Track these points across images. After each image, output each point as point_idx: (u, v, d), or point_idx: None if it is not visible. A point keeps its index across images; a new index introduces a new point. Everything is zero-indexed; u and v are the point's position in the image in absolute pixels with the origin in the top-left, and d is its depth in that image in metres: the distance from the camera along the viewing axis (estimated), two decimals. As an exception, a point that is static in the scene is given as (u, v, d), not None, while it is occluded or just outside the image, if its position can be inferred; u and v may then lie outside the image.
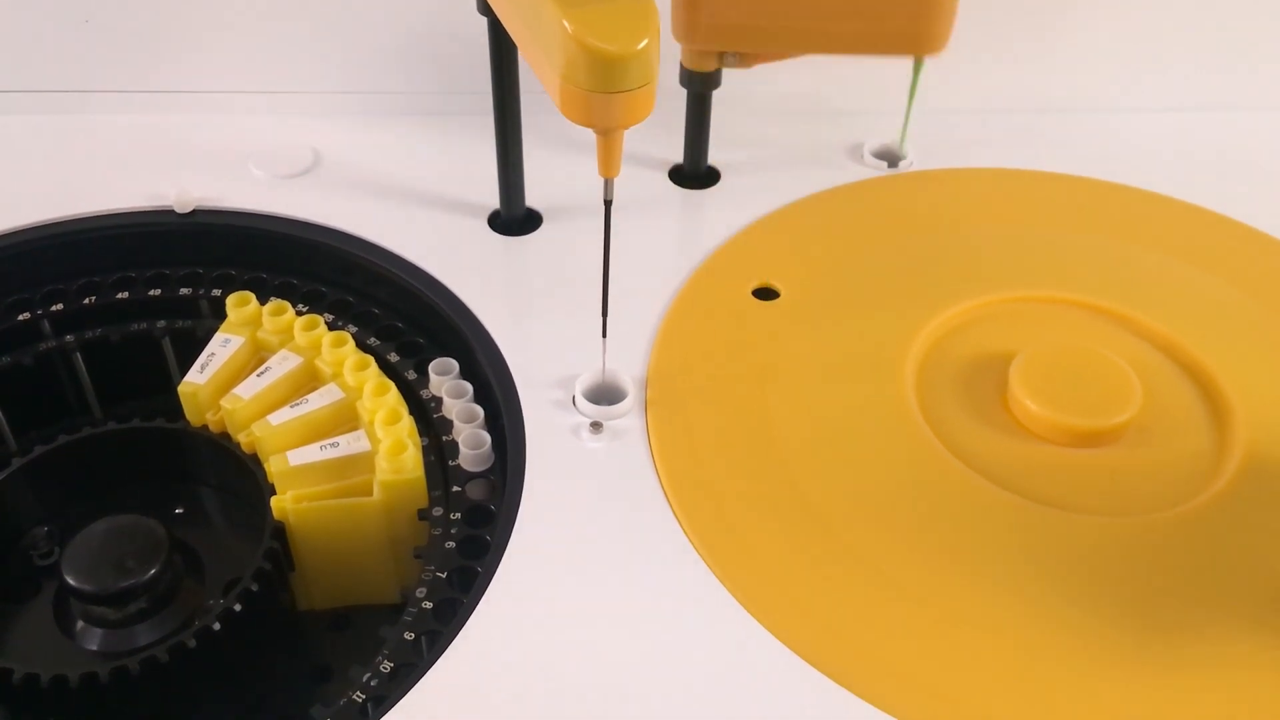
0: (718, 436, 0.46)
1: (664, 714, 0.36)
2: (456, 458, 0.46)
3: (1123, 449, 0.46)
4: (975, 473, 0.44)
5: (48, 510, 0.49)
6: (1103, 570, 0.41)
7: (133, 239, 0.56)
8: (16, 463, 0.48)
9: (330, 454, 0.45)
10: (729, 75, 0.57)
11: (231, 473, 0.48)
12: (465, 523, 0.44)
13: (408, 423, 0.45)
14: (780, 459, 0.45)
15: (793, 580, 0.40)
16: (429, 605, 0.41)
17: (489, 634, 0.38)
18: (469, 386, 0.48)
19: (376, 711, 0.37)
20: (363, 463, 0.45)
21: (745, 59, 0.56)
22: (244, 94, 0.64)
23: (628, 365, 0.48)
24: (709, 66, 0.56)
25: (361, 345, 0.50)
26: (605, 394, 0.47)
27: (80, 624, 0.44)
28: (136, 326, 0.54)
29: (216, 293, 0.54)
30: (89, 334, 0.53)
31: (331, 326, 0.52)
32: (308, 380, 0.49)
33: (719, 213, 0.58)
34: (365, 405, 0.46)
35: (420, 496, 0.45)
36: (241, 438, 0.47)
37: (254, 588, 0.43)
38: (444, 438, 0.47)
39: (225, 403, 0.47)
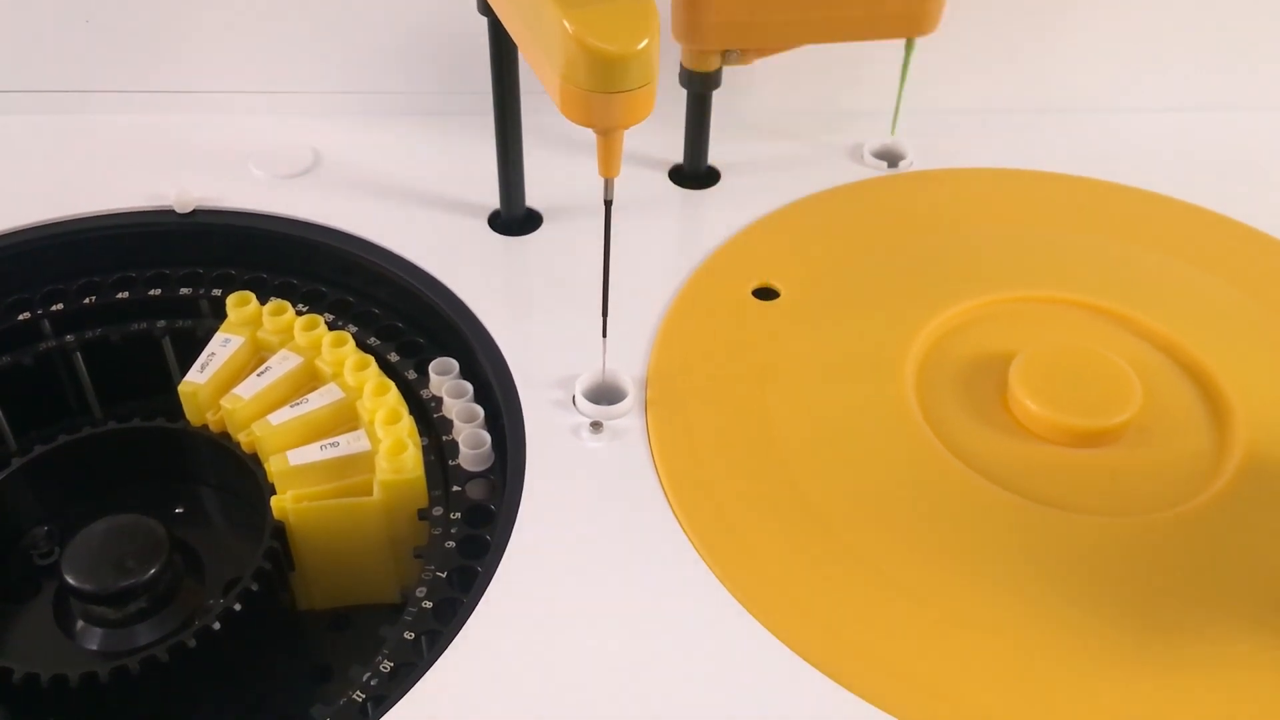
0: (718, 436, 0.46)
1: (664, 714, 0.36)
2: (456, 457, 0.46)
3: (1123, 449, 0.46)
4: (975, 473, 0.44)
5: (48, 510, 0.49)
6: (1103, 570, 0.41)
7: (133, 239, 0.56)
8: (16, 462, 0.48)
9: (330, 454, 0.45)
10: (729, 75, 0.57)
11: (231, 472, 0.48)
12: (465, 522, 0.44)
13: (408, 422, 0.45)
14: (780, 459, 0.45)
15: (793, 580, 0.40)
16: (429, 605, 0.41)
17: (489, 634, 0.38)
18: (469, 386, 0.48)
19: (377, 711, 0.37)
20: (363, 462, 0.45)
21: (745, 55, 0.56)
22: (244, 94, 0.64)
23: (628, 365, 0.48)
24: (710, 66, 0.56)
25: (361, 345, 0.50)
26: (605, 394, 0.47)
27: (80, 624, 0.44)
28: (136, 326, 0.54)
29: (217, 293, 0.54)
30: (89, 334, 0.53)
31: (332, 326, 0.52)
32: (308, 380, 0.49)
33: (719, 213, 0.58)
34: (365, 405, 0.46)
35: (420, 496, 0.45)
36: (241, 437, 0.47)
37: (254, 587, 0.43)
38: (444, 437, 0.47)
39: (225, 402, 0.47)
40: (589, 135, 0.40)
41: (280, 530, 0.44)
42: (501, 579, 0.40)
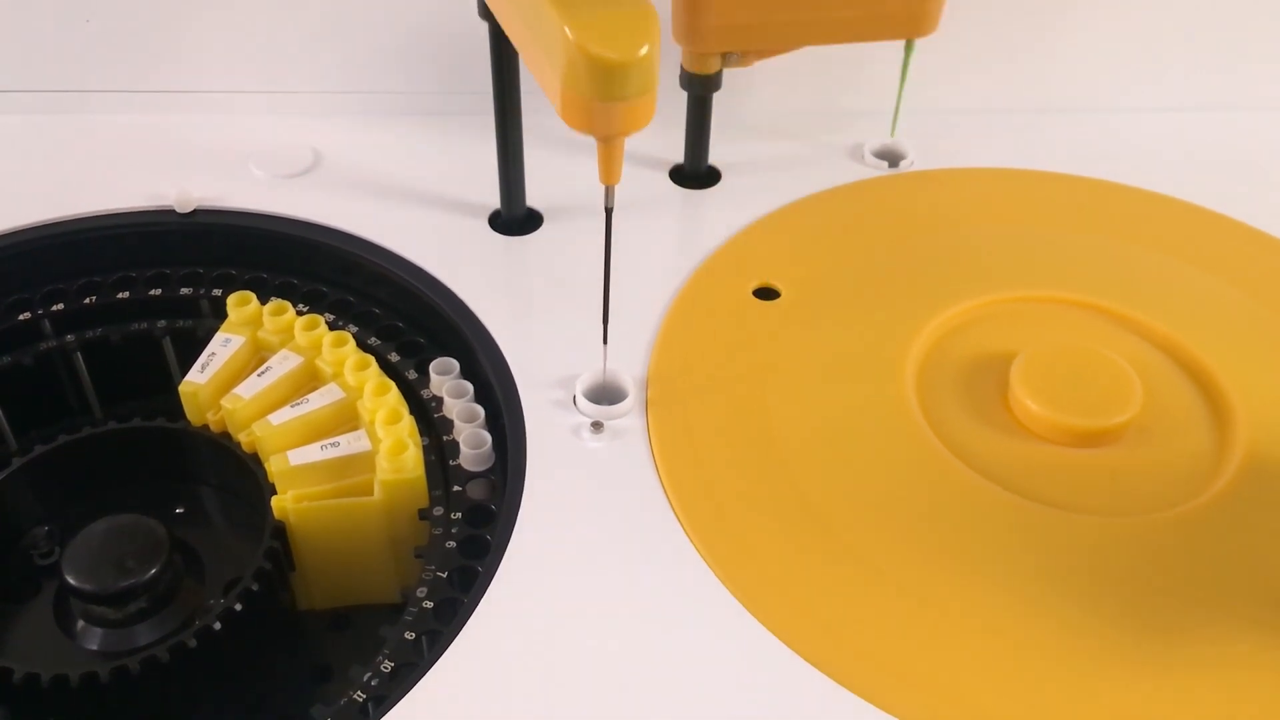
0: (718, 436, 0.46)
1: (664, 713, 0.36)
2: (457, 457, 0.46)
3: (1123, 449, 0.46)
4: (975, 473, 0.44)
5: (48, 510, 0.49)
6: (1103, 570, 0.41)
7: (133, 239, 0.56)
8: (17, 462, 0.48)
9: (331, 454, 0.45)
10: (729, 75, 0.57)
11: (232, 472, 0.48)
12: (466, 522, 0.44)
13: (408, 422, 0.45)
14: (780, 459, 0.45)
15: (793, 580, 0.40)
16: (429, 605, 0.41)
17: (489, 633, 0.38)
18: (469, 386, 0.48)
19: (377, 711, 0.37)
20: (363, 462, 0.45)
21: (746, 57, 0.56)
22: (244, 94, 0.64)
23: (628, 365, 0.48)
24: (711, 69, 0.56)
25: (362, 345, 0.50)
26: (606, 394, 0.47)
27: (81, 623, 0.44)
28: (137, 326, 0.54)
29: (217, 292, 0.54)
30: (89, 334, 0.53)
31: (332, 326, 0.52)
32: (308, 380, 0.49)
33: (719, 213, 0.58)
34: (366, 405, 0.46)
35: (421, 496, 0.45)
36: (242, 437, 0.47)
37: (254, 587, 0.43)
38: (444, 437, 0.47)
39: (226, 402, 0.47)
40: (589, 136, 0.40)
41: (280, 530, 0.44)
42: (502, 579, 0.40)
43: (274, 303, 0.50)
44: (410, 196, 0.59)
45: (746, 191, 0.60)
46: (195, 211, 0.56)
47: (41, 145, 0.62)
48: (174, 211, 0.56)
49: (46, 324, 0.53)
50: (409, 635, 0.40)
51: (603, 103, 0.38)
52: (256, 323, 0.50)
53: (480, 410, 0.47)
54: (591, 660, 0.38)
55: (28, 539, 0.49)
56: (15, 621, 0.46)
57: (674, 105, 0.59)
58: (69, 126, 0.63)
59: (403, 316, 0.54)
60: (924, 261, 0.55)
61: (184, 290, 0.54)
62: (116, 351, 0.53)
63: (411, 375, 0.50)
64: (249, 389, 0.47)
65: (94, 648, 0.44)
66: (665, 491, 0.43)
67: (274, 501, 0.44)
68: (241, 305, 0.50)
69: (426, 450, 0.47)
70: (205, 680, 0.43)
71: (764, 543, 0.42)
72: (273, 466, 0.45)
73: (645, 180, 0.61)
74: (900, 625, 0.39)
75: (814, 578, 0.41)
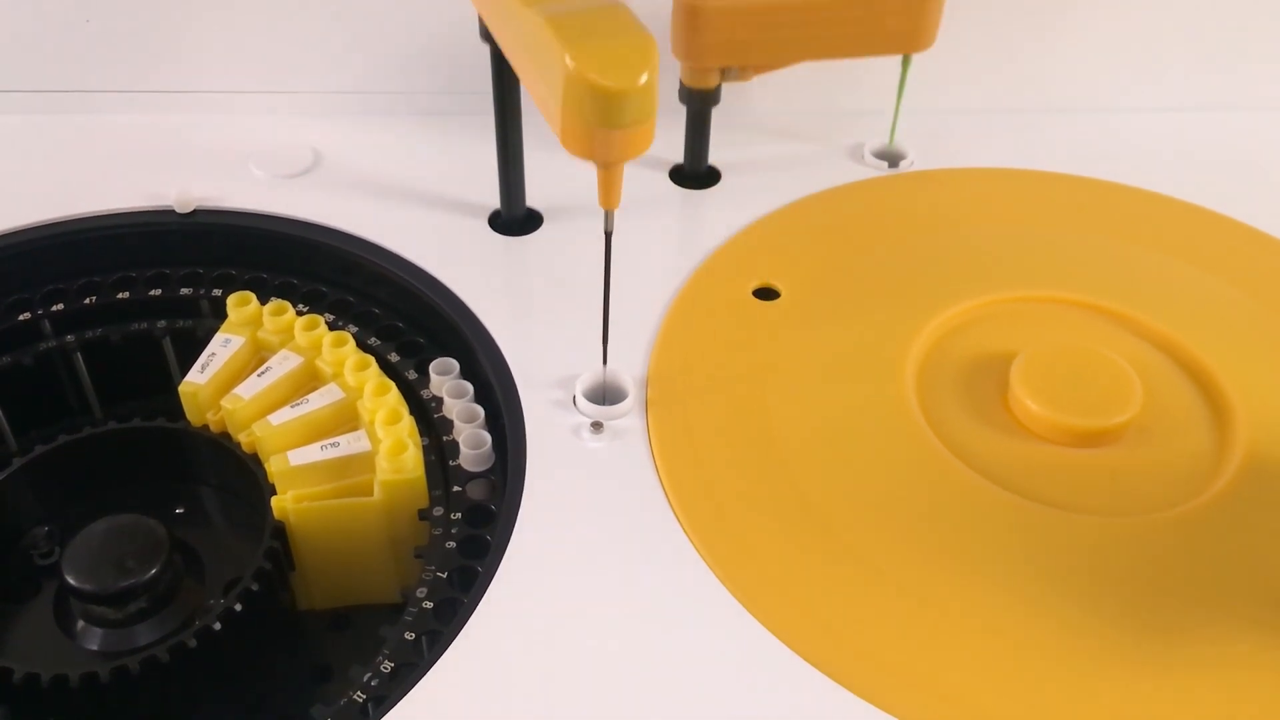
0: (718, 436, 0.46)
1: (664, 713, 0.36)
2: (457, 458, 0.46)
3: (1123, 449, 0.46)
4: (975, 473, 0.44)
5: (48, 510, 0.49)
6: (1103, 570, 0.41)
7: (133, 239, 0.56)
8: (17, 462, 0.48)
9: (331, 454, 0.45)
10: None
11: (232, 472, 0.48)
12: (466, 522, 0.44)
13: (408, 423, 0.45)
14: (780, 459, 0.45)
15: (793, 580, 0.40)
16: (429, 605, 0.41)
17: (489, 634, 0.38)
18: (469, 386, 0.48)
19: (377, 711, 0.37)
20: (363, 462, 0.45)
21: (744, 72, 0.57)
22: (244, 94, 0.64)
23: (628, 365, 0.48)
24: (709, 84, 0.57)
25: (362, 345, 0.50)
26: (606, 394, 0.47)
27: (81, 624, 0.44)
28: (137, 326, 0.54)
29: (217, 293, 0.54)
30: (89, 334, 0.53)
31: (332, 326, 0.52)
32: (308, 380, 0.49)
33: (719, 213, 0.58)
34: (366, 405, 0.46)
35: (421, 496, 0.45)
36: (242, 437, 0.47)
37: (254, 587, 0.43)
38: (444, 438, 0.47)
39: (226, 402, 0.47)
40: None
41: (280, 530, 0.44)
42: (502, 579, 0.40)
43: (274, 303, 0.50)
44: (410, 196, 0.59)
45: (746, 191, 0.60)
46: (195, 211, 0.56)
47: (41, 145, 0.62)
48: (174, 211, 0.56)
49: (46, 324, 0.53)
50: (409, 635, 0.40)
51: (603, 130, 0.38)
52: (256, 323, 0.50)
53: (480, 410, 0.47)
54: (591, 660, 0.38)
55: (28, 539, 0.49)
56: (15, 621, 0.46)
57: (675, 106, 0.59)
58: (69, 126, 0.63)
59: (403, 316, 0.54)
60: (924, 261, 0.55)
61: (184, 290, 0.54)
62: (116, 351, 0.53)
63: (411, 375, 0.50)
64: (249, 389, 0.47)
65: (94, 648, 0.44)
66: (665, 491, 0.43)
67: (274, 501, 0.44)
68: (241, 305, 0.50)
69: (426, 450, 0.47)
70: (205, 680, 0.43)
71: (764, 543, 0.42)
72: (273, 466, 0.45)
73: (645, 180, 0.61)
74: (900, 625, 0.39)
75: (814, 578, 0.41)
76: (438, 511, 0.44)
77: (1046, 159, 0.63)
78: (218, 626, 0.42)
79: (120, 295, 0.54)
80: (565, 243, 0.56)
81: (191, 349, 0.50)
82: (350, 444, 0.45)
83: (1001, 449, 0.46)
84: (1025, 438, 0.46)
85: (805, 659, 0.38)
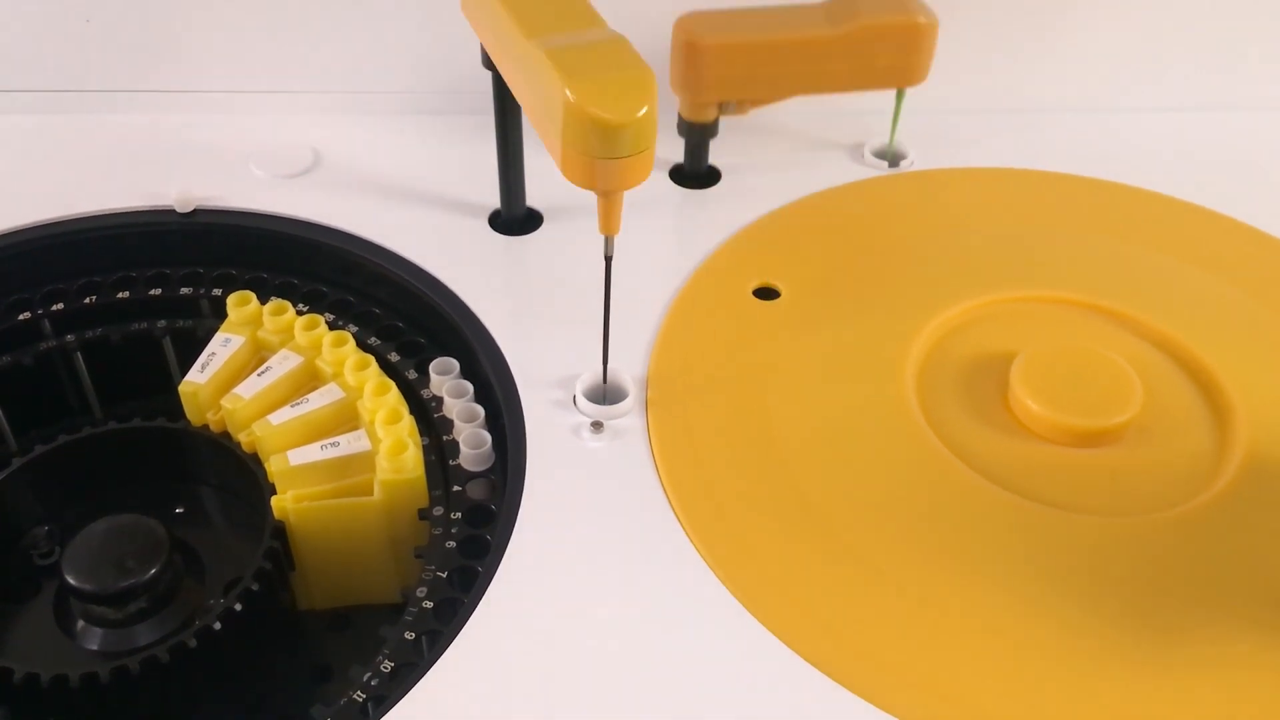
0: (718, 436, 0.46)
1: (664, 713, 0.36)
2: (457, 457, 0.46)
3: (1123, 449, 0.46)
4: (976, 473, 0.44)
5: (48, 510, 0.49)
6: (1103, 570, 0.41)
7: (133, 239, 0.56)
8: (17, 462, 0.48)
9: (331, 453, 0.45)
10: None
11: (232, 472, 0.48)
12: (466, 522, 0.44)
13: (408, 422, 0.45)
14: (781, 459, 0.45)
15: (793, 580, 0.40)
16: (429, 605, 0.41)
17: (489, 633, 0.38)
18: (469, 386, 0.48)
19: (377, 711, 0.37)
20: (363, 462, 0.45)
21: (742, 105, 0.59)
22: (244, 94, 0.64)
23: (628, 365, 0.48)
24: (708, 117, 0.58)
25: (362, 345, 0.50)
26: (606, 394, 0.47)
27: (81, 624, 0.44)
28: (137, 326, 0.54)
29: (217, 292, 0.54)
30: (89, 334, 0.53)
31: (332, 326, 0.52)
32: (308, 380, 0.49)
33: (719, 213, 0.58)
34: (366, 405, 0.46)
35: (421, 496, 0.45)
36: (242, 437, 0.47)
37: (254, 587, 0.43)
38: (444, 437, 0.47)
39: (226, 402, 0.47)
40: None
41: (280, 530, 0.44)
42: (502, 579, 0.40)
43: (274, 302, 0.50)
44: (410, 196, 0.59)
45: (746, 191, 0.60)
46: (195, 211, 0.56)
47: (41, 145, 0.62)
48: (174, 211, 0.56)
49: (46, 324, 0.53)
50: (409, 635, 0.40)
51: (602, 161, 0.39)
52: (256, 322, 0.50)
53: (480, 410, 0.47)
54: (591, 660, 0.38)
55: (28, 539, 0.49)
56: (15, 621, 0.46)
57: (675, 107, 0.59)
58: (69, 126, 0.63)
59: (403, 316, 0.54)
60: (924, 261, 0.55)
61: (184, 290, 0.54)
62: (116, 351, 0.53)
63: (411, 375, 0.50)
64: (249, 389, 0.47)
65: (94, 648, 0.44)
66: (665, 491, 0.43)
67: (274, 501, 0.44)
68: (241, 305, 0.50)
69: (426, 450, 0.47)
70: (205, 680, 0.43)
71: (764, 543, 0.42)
72: (273, 466, 0.45)
73: (645, 180, 0.61)
74: (900, 625, 0.39)
75: (814, 578, 0.41)
76: (438, 511, 0.44)
77: (1046, 159, 0.63)
78: (218, 626, 0.42)
79: (120, 295, 0.54)
80: (565, 243, 0.56)
81: (191, 349, 0.50)
82: (350, 444, 0.45)
83: (1001, 449, 0.46)
84: (1025, 438, 0.46)
85: (805, 659, 0.38)
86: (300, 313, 0.51)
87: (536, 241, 0.56)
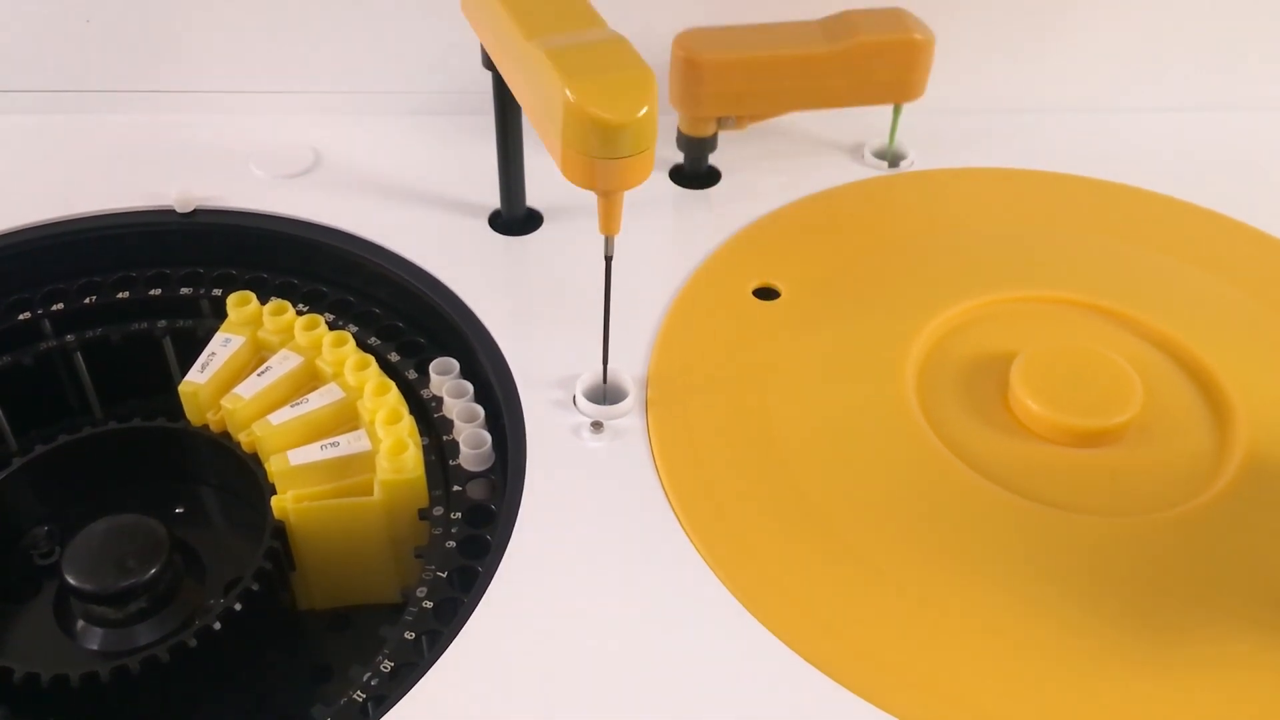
0: (718, 436, 0.46)
1: (664, 713, 0.36)
2: (457, 457, 0.46)
3: (1124, 449, 0.46)
4: (976, 473, 0.44)
5: (48, 510, 0.49)
6: (1103, 570, 0.41)
7: (133, 239, 0.56)
8: (17, 462, 0.48)
9: (331, 453, 0.45)
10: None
11: (232, 472, 0.48)
12: (466, 522, 0.44)
13: (408, 422, 0.45)
14: (781, 459, 0.45)
15: (793, 579, 0.40)
16: (429, 605, 0.41)
17: (490, 633, 0.38)
18: (469, 386, 0.48)
19: (377, 711, 0.37)
20: (363, 462, 0.45)
21: (740, 121, 0.59)
22: (244, 94, 0.64)
23: (628, 365, 0.48)
24: (707, 132, 0.59)
25: (362, 345, 0.50)
26: (606, 394, 0.47)
27: (81, 623, 0.44)
28: (137, 326, 0.54)
29: (217, 292, 0.54)
30: (89, 334, 0.53)
31: (332, 326, 0.52)
32: (308, 380, 0.49)
33: (719, 213, 0.58)
34: (366, 405, 0.46)
35: (421, 496, 0.45)
36: (242, 437, 0.47)
37: (254, 587, 0.43)
38: (444, 437, 0.47)
39: (226, 402, 0.47)
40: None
41: (281, 530, 0.44)
42: (502, 579, 0.40)
43: (274, 303, 0.50)
44: (410, 196, 0.59)
45: (746, 191, 0.60)
46: (195, 211, 0.56)
47: (41, 145, 0.62)
48: (174, 211, 0.56)
49: (46, 324, 0.53)
50: (409, 635, 0.40)
51: (602, 161, 0.39)
52: (256, 322, 0.50)
53: (480, 410, 0.47)
54: (591, 660, 0.38)
55: (28, 539, 0.49)
56: (15, 621, 0.46)
57: (674, 120, 0.59)
58: (69, 126, 0.63)
59: (403, 316, 0.54)
60: (924, 261, 0.55)
61: (184, 290, 0.54)
62: (116, 351, 0.53)
63: (411, 375, 0.50)
64: (249, 389, 0.47)
65: (94, 647, 0.44)
66: (665, 491, 0.43)
67: (274, 501, 0.44)
68: (241, 305, 0.50)
69: (426, 450, 0.47)
70: (205, 680, 0.43)
71: (764, 543, 0.42)
72: (273, 466, 0.45)
73: (645, 180, 0.61)
74: (900, 625, 0.39)
75: (814, 578, 0.41)
76: (438, 511, 0.44)
77: (1046, 159, 0.63)
78: (218, 626, 0.42)
79: (120, 295, 0.54)
80: (565, 243, 0.56)
81: (191, 349, 0.50)
82: (350, 444, 0.45)
83: (1001, 449, 0.46)
84: (1025, 438, 0.46)
85: (805, 659, 0.38)
86: (300, 313, 0.51)
87: (536, 241, 0.56)
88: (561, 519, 0.42)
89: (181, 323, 0.54)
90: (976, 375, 0.49)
